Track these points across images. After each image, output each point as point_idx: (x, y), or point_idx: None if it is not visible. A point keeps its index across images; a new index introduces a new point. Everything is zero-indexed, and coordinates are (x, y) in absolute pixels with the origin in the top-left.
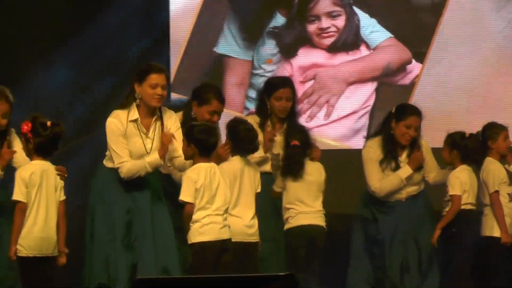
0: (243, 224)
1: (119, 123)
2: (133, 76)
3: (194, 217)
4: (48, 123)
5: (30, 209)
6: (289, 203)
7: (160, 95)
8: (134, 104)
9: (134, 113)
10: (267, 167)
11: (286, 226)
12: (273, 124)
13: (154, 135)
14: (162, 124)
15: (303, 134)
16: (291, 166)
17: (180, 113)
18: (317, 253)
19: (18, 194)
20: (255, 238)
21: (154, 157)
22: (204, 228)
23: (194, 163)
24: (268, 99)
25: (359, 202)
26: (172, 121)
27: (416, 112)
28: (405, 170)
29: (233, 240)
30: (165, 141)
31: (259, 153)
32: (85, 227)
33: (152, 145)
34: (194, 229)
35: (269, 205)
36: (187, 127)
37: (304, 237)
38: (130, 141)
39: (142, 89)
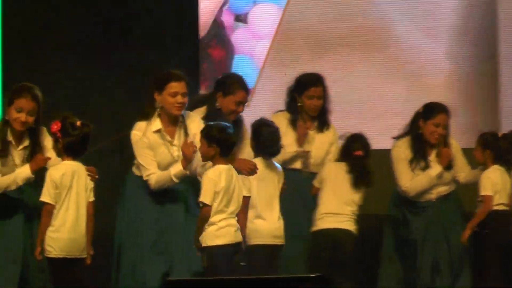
0: (269, 226)
1: (143, 136)
2: (151, 85)
3: (211, 219)
4: (78, 122)
5: (59, 209)
6: (321, 203)
7: (180, 103)
8: (156, 114)
9: (157, 123)
10: (297, 164)
11: (313, 228)
12: (304, 121)
13: (180, 142)
14: (185, 129)
15: (366, 144)
16: (362, 177)
17: (203, 108)
18: (344, 257)
19: (45, 196)
20: (281, 241)
21: (178, 169)
22: (221, 231)
23: (214, 164)
24: (299, 97)
25: (390, 203)
26: (196, 125)
27: (444, 110)
28: (435, 168)
29: (259, 243)
30: (186, 152)
31: (293, 148)
32: (114, 233)
33: (179, 152)
34: (209, 232)
35: (298, 203)
36: (205, 128)
37: (329, 241)
38: (157, 151)
39: (163, 98)
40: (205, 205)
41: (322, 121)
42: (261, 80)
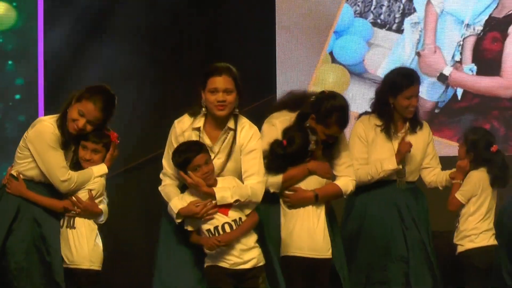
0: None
1: (179, 128)
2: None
3: None
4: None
5: None
6: (476, 218)
7: (222, 102)
8: (203, 113)
9: (199, 122)
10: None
11: (470, 245)
12: (396, 127)
13: (219, 150)
14: (235, 137)
15: (493, 136)
16: (501, 175)
17: (292, 116)
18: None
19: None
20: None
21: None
22: None
23: None
24: (394, 99)
25: (502, 213)
26: (247, 136)
27: None
28: None
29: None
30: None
31: (392, 166)
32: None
33: (218, 160)
34: None
35: (395, 218)
36: None
37: (488, 259)
38: None
39: (205, 95)
40: None
41: (413, 120)
42: None
